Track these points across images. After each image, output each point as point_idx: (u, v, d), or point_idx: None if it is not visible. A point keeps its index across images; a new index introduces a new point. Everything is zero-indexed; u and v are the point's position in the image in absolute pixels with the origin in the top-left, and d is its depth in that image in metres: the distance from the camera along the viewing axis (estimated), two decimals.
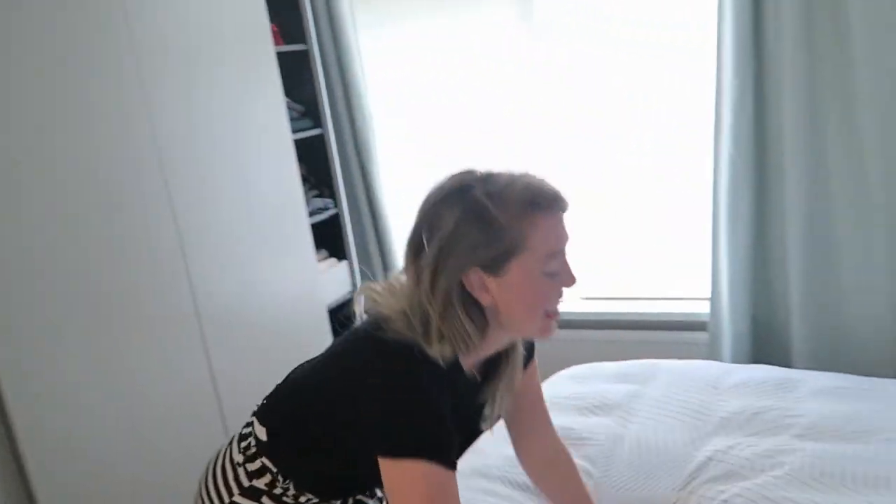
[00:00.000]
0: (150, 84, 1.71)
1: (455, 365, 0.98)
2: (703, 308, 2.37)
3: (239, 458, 1.11)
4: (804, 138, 1.97)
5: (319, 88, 2.39)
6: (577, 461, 1.38)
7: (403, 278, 1.00)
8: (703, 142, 2.24)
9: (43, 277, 1.50)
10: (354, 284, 2.57)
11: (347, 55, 2.63)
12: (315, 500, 1.10)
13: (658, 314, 2.49)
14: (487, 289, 0.94)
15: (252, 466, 1.09)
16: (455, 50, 2.59)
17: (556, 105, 2.54)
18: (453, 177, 0.96)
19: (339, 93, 2.71)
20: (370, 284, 1.04)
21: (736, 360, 2.20)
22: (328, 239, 2.48)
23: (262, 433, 1.08)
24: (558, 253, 0.95)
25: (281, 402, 1.12)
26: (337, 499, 1.13)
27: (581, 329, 2.55)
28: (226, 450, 1.15)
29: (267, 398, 1.15)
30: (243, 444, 1.11)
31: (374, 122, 2.76)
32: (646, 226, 2.53)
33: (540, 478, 1.29)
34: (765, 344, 2.23)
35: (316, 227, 2.30)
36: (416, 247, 0.96)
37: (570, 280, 0.97)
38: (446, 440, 0.95)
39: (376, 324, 0.97)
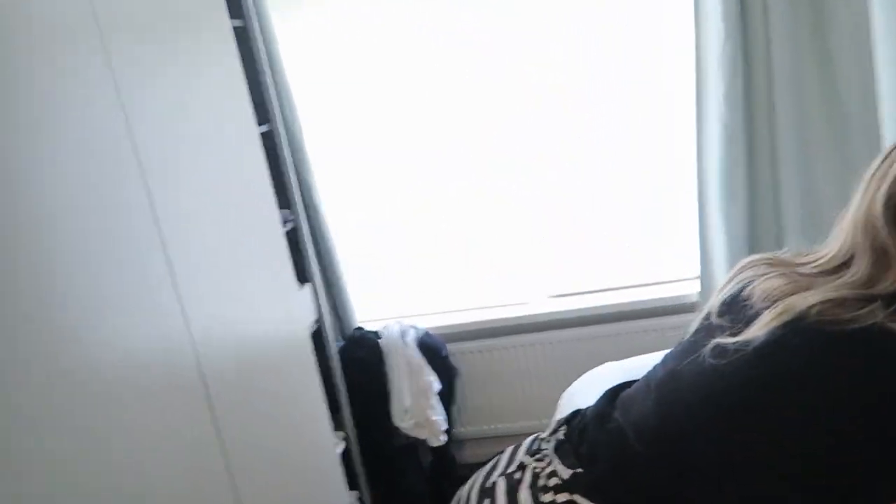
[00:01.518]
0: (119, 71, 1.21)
1: None
2: (687, 289, 2.34)
3: None
4: (793, 107, 2.01)
5: (262, 68, 1.94)
6: None
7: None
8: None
9: None
10: (320, 311, 2.13)
11: (270, 34, 2.20)
12: None
13: (640, 301, 2.40)
14: None
15: None
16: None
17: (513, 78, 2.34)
18: None
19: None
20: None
21: None
22: None
23: None
24: None
25: (645, 469, 0.77)
26: None
27: (566, 329, 2.39)
28: None
29: (590, 469, 0.80)
30: None
31: (300, 120, 2.36)
32: (608, 210, 2.43)
33: None
34: None
35: None
36: None
37: None
38: None
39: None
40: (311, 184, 2.36)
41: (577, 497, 0.78)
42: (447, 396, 2.41)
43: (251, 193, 1.65)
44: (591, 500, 0.77)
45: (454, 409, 2.48)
